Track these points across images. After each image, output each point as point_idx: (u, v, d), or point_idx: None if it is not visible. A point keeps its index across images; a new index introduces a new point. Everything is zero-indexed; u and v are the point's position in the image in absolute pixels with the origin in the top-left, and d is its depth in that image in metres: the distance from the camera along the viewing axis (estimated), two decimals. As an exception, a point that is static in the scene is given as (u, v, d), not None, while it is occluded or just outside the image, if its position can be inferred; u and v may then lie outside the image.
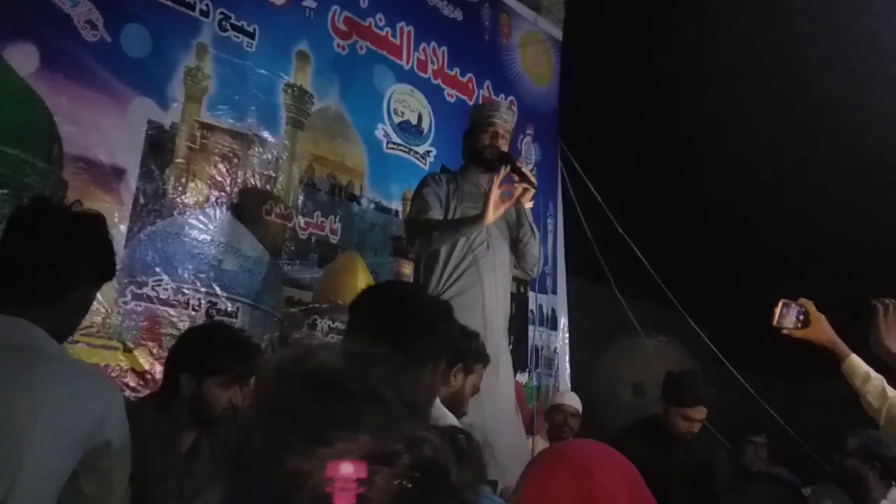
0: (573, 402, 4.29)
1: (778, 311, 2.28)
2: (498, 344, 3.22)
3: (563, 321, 5.16)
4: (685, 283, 5.01)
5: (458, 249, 3.20)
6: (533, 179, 3.24)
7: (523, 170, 3.23)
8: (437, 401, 2.38)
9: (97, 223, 1.68)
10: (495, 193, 3.07)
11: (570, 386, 4.96)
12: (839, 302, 2.47)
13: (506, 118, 3.40)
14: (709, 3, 4.93)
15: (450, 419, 2.34)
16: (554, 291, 5.10)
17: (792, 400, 5.21)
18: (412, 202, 3.37)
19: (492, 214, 3.07)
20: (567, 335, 5.17)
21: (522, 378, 4.73)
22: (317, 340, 3.49)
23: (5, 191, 2.76)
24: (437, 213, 3.23)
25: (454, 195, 3.30)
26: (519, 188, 3.20)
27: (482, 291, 3.19)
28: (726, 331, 5.22)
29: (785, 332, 2.28)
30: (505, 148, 3.34)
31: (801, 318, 2.27)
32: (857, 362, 2.22)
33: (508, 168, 3.18)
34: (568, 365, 5.11)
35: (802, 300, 2.29)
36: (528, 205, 3.31)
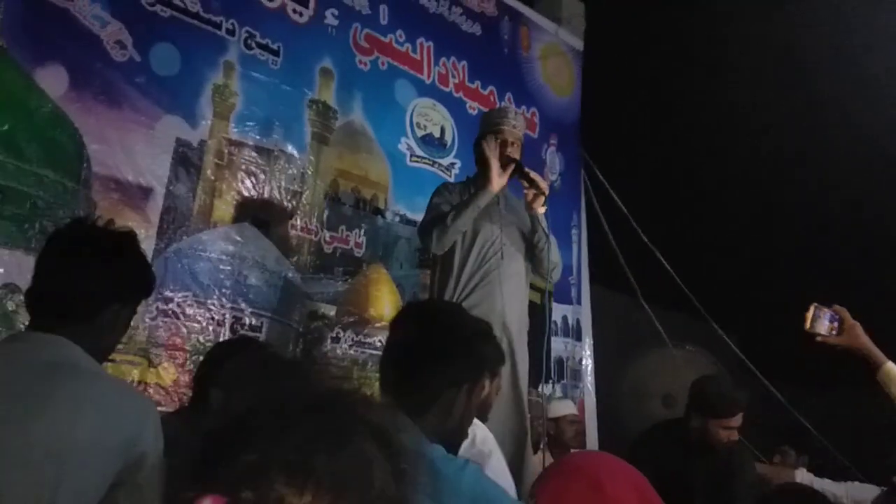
0: (569, 409, 4.30)
1: (810, 315, 2.25)
2: (517, 354, 3.17)
3: (588, 332, 5.13)
4: (711, 292, 4.98)
5: (471, 260, 3.13)
6: (543, 184, 3.19)
7: (532, 175, 3.18)
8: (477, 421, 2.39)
9: (128, 241, 1.71)
10: (494, 160, 3.07)
11: (594, 398, 4.94)
12: (873, 308, 2.45)
13: (515, 124, 3.29)
14: (728, 12, 4.91)
15: (481, 428, 2.33)
16: (579, 302, 5.08)
17: (822, 408, 5.14)
18: (425, 212, 3.29)
19: (496, 179, 3.07)
20: (591, 346, 5.14)
21: (547, 389, 4.72)
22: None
23: (36, 211, 2.81)
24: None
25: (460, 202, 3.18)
26: (530, 194, 3.18)
27: (501, 302, 3.11)
28: (754, 339, 5.17)
29: (819, 338, 2.26)
30: (516, 154, 3.23)
31: (836, 324, 2.24)
32: (893, 369, 2.19)
33: (515, 174, 3.16)
34: (592, 376, 5.08)
35: (836, 307, 2.27)
36: (542, 210, 3.22)
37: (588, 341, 5.11)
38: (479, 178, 3.16)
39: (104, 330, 1.65)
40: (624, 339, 5.38)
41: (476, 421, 2.41)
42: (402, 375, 1.65)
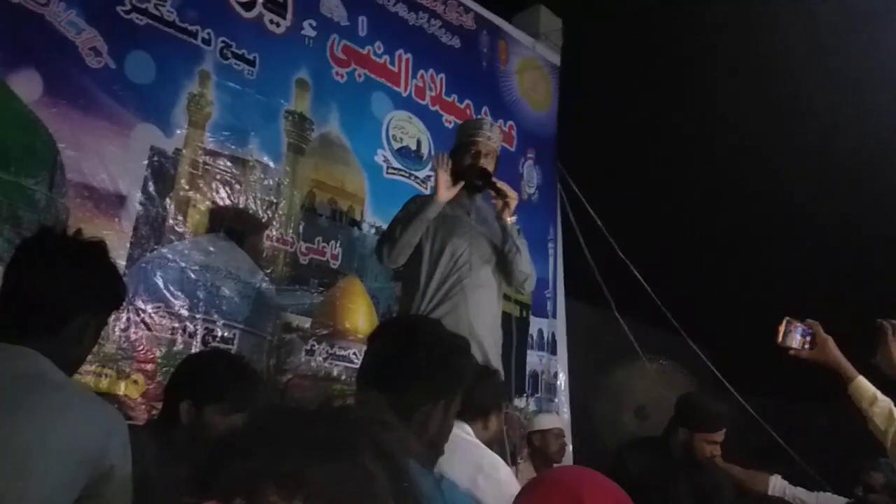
0: (553, 423, 4.30)
1: (782, 329, 2.26)
2: (490, 366, 3.14)
3: (563, 345, 5.14)
4: (685, 306, 5.01)
5: (438, 273, 3.13)
6: (511, 193, 3.20)
7: (499, 185, 3.19)
8: (486, 448, 2.42)
9: (96, 250, 1.68)
10: (442, 173, 3.11)
11: (568, 411, 4.94)
12: (844, 322, 2.47)
13: (489, 136, 3.29)
14: (706, 28, 4.97)
15: (501, 465, 2.35)
16: (554, 315, 5.09)
17: (795, 424, 5.18)
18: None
19: (442, 191, 3.11)
20: (566, 359, 5.14)
21: (521, 403, 4.72)
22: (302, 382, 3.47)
23: (7, 216, 2.77)
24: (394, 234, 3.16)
25: (438, 217, 3.19)
26: (499, 204, 3.20)
27: (467, 312, 3.11)
28: (728, 354, 5.21)
29: (791, 352, 2.27)
30: (490, 166, 3.26)
31: (808, 338, 2.25)
32: (864, 384, 2.20)
33: (485, 186, 3.22)
34: (566, 390, 5.08)
35: (809, 321, 2.28)
36: (511, 219, 3.23)
37: (563, 355, 5.12)
38: (435, 191, 3.16)
39: (72, 341, 1.62)
40: (598, 353, 5.39)
41: (500, 460, 2.43)
42: (380, 391, 1.65)
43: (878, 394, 2.17)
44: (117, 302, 1.76)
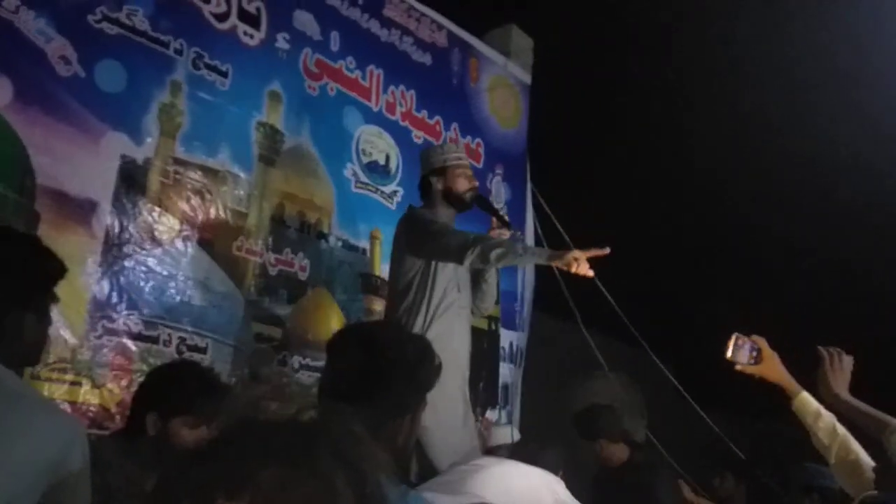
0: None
1: (731, 344, 2.30)
2: (466, 383, 3.27)
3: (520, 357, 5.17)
4: (650, 321, 5.08)
5: (437, 289, 3.18)
6: (510, 224, 3.34)
7: (502, 214, 3.34)
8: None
9: (22, 242, 1.67)
10: (582, 256, 2.91)
11: (517, 422, 4.96)
12: (793, 339, 2.54)
13: (462, 155, 3.48)
14: (675, 48, 5.08)
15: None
16: (523, 329, 5.13)
17: (757, 437, 5.26)
18: (434, 228, 3.21)
19: (558, 262, 2.97)
20: (522, 372, 5.16)
21: (493, 415, 4.74)
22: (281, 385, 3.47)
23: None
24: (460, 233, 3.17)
25: None
26: (495, 232, 3.30)
27: (455, 333, 3.20)
28: (692, 369, 5.28)
29: (738, 367, 2.31)
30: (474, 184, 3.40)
31: (755, 354, 2.30)
32: (808, 400, 2.25)
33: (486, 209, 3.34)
34: (518, 400, 5.08)
35: (755, 337, 2.32)
36: None
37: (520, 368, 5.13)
38: (553, 253, 3.05)
39: (11, 338, 1.59)
40: (563, 366, 5.43)
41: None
42: (346, 403, 1.60)
43: (822, 409, 2.21)
44: (45, 291, 1.70)
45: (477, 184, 3.40)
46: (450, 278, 3.22)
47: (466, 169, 3.38)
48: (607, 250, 2.92)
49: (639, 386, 5.47)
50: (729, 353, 2.31)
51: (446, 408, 3.01)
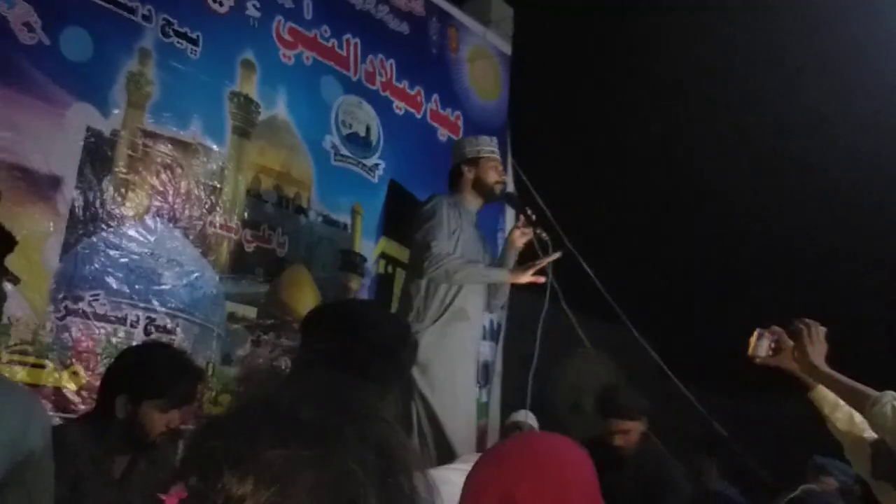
0: (525, 418, 4.28)
1: (753, 340, 2.30)
2: (473, 369, 3.38)
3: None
4: (634, 299, 5.05)
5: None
6: (537, 225, 3.39)
7: (532, 216, 3.40)
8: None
9: None
10: (532, 270, 3.20)
11: (498, 401, 4.93)
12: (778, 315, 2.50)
13: (495, 150, 3.54)
14: (659, 23, 5.01)
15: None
16: (503, 307, 5.07)
17: (739, 416, 5.26)
18: (423, 220, 3.28)
19: (515, 279, 3.25)
20: (502, 349, 5.11)
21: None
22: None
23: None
24: (445, 242, 3.22)
25: (457, 225, 3.31)
26: (518, 233, 3.39)
27: (470, 318, 3.26)
28: (675, 347, 5.27)
29: (758, 360, 2.30)
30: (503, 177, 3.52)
31: (773, 345, 2.29)
32: (822, 391, 2.27)
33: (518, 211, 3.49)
34: (500, 379, 5.05)
35: (774, 328, 2.30)
36: (520, 246, 3.42)
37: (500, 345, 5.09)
38: (514, 271, 3.27)
39: None
40: (542, 344, 5.38)
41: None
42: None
43: (839, 400, 2.21)
44: None
45: (506, 177, 3.53)
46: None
47: (498, 163, 3.48)
48: (559, 254, 3.25)
49: (620, 364, 5.44)
50: (751, 350, 2.30)
51: (465, 392, 3.19)
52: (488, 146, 3.50)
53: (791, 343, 2.25)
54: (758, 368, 2.33)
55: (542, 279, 3.24)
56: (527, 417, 4.27)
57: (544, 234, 3.35)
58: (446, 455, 2.91)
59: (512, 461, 1.24)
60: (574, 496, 1.21)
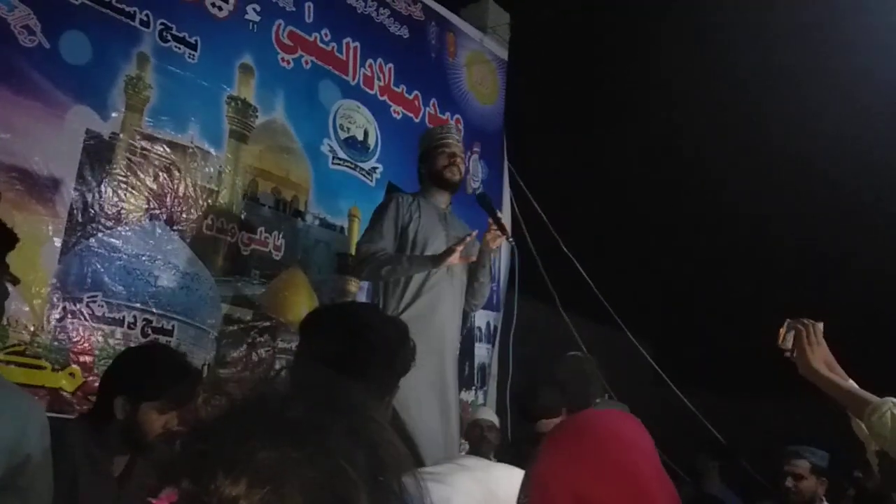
0: (488, 415, 4.29)
1: (783, 332, 2.17)
2: (452, 367, 3.29)
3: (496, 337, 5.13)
4: (629, 302, 5.07)
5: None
6: (507, 230, 3.33)
7: (501, 219, 3.32)
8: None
9: None
10: (459, 250, 3.08)
11: (493, 402, 4.93)
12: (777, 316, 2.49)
13: (457, 139, 3.45)
14: (656, 27, 5.03)
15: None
16: (499, 308, 5.09)
17: (736, 419, 5.28)
18: (370, 224, 3.31)
19: (444, 264, 3.13)
20: (497, 350, 5.11)
21: (468, 396, 4.71)
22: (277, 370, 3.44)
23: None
24: (388, 245, 3.21)
25: (414, 219, 3.28)
26: (492, 234, 3.29)
27: (442, 315, 3.20)
28: (671, 350, 5.29)
29: (787, 354, 2.17)
30: (462, 168, 3.39)
31: (794, 340, 2.15)
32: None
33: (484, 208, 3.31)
34: (494, 381, 5.04)
35: (803, 320, 2.17)
36: (494, 249, 3.38)
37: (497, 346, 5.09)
38: (437, 258, 3.14)
39: None
40: (540, 347, 5.39)
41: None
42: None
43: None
44: None
45: (459, 161, 3.38)
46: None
47: (448, 147, 3.37)
48: (474, 233, 3.16)
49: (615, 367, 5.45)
50: (780, 341, 2.17)
51: (426, 393, 3.06)
52: (438, 136, 3.43)
53: (803, 347, 2.11)
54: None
55: (473, 257, 3.19)
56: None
57: (511, 240, 3.35)
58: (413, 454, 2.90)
59: (580, 456, 1.25)
60: (639, 475, 1.23)
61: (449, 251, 3.09)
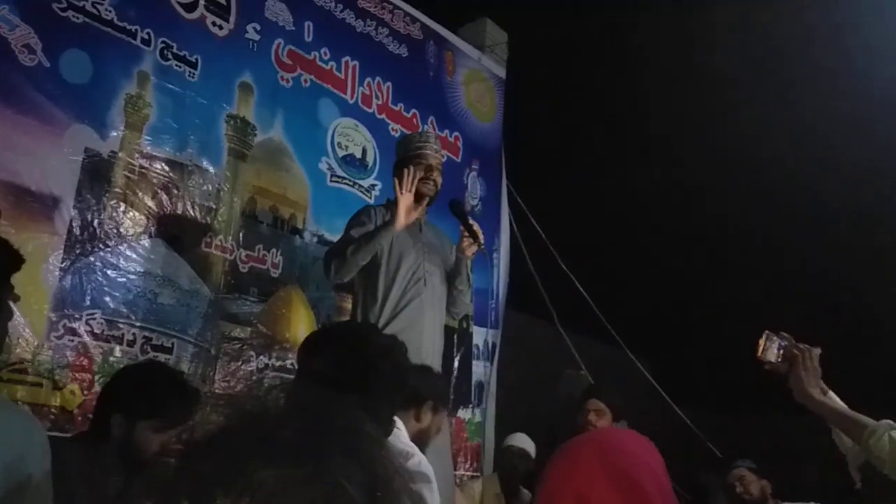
0: (520, 442, 4.27)
1: (762, 342, 2.17)
2: None
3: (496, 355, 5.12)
4: (628, 320, 5.07)
5: (396, 285, 3.15)
6: (481, 237, 3.26)
7: (473, 227, 3.25)
8: (407, 437, 2.32)
9: None
10: (406, 198, 3.05)
11: (492, 420, 4.91)
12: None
13: (436, 148, 3.35)
14: (650, 44, 5.06)
15: (419, 457, 2.25)
16: (497, 326, 5.09)
17: (735, 436, 5.26)
18: (341, 235, 3.27)
19: (403, 219, 3.06)
20: (496, 369, 5.09)
21: (466, 414, 4.69)
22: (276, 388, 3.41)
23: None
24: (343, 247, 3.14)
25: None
26: (465, 241, 3.24)
27: (422, 328, 3.15)
28: (669, 367, 5.28)
29: (767, 367, 2.17)
30: (439, 180, 3.30)
31: (783, 352, 2.16)
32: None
33: (456, 215, 3.26)
34: (493, 398, 5.02)
35: (783, 334, 2.18)
36: (470, 256, 3.31)
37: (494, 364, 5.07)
38: (392, 218, 3.10)
39: None
40: (538, 364, 5.39)
41: (419, 452, 2.36)
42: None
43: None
44: (3, 274, 1.65)
45: (437, 169, 3.29)
46: (414, 272, 3.18)
47: (425, 158, 3.27)
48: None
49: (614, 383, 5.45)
50: (760, 352, 2.16)
51: None
52: (415, 145, 3.32)
53: (797, 353, 2.12)
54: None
55: (415, 214, 3.12)
56: (522, 442, 4.27)
57: (483, 248, 3.31)
58: None
59: (583, 461, 1.26)
60: (642, 486, 1.24)
61: (396, 208, 3.04)
